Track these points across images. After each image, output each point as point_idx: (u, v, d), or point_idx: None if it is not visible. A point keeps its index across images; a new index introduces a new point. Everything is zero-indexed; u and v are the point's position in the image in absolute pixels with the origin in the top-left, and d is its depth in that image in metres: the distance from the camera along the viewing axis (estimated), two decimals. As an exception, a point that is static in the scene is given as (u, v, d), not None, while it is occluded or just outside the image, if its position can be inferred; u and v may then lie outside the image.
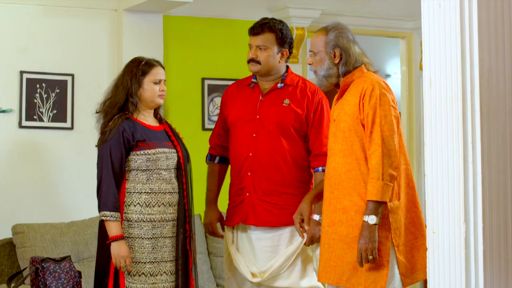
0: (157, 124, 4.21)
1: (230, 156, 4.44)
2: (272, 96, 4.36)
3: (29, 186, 5.63)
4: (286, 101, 4.33)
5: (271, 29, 4.33)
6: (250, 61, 4.35)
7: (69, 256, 4.98)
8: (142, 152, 4.06)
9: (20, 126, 5.62)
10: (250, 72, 4.46)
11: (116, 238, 3.99)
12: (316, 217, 4.18)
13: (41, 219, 5.50)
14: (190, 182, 4.22)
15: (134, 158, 4.07)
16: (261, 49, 4.33)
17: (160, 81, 4.15)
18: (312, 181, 4.38)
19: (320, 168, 4.29)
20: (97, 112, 4.19)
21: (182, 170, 4.13)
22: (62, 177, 5.73)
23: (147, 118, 4.17)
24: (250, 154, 4.30)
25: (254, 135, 4.31)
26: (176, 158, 4.12)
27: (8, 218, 5.44)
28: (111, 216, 4.00)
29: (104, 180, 4.03)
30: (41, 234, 5.29)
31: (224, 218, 4.50)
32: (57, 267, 4.83)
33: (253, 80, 4.43)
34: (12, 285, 4.97)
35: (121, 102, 4.12)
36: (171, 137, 4.18)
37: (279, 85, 4.37)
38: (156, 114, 4.25)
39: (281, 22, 4.40)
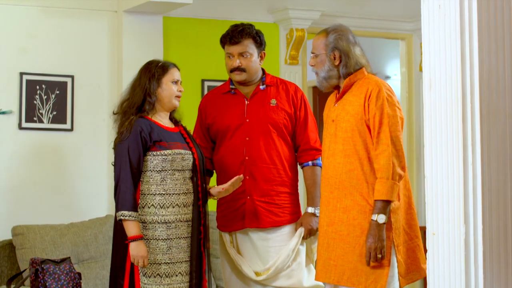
0: (173, 126, 4.21)
1: (220, 163, 4.44)
2: (257, 99, 4.42)
3: (29, 187, 5.63)
4: (273, 101, 4.40)
5: (249, 34, 4.39)
6: (235, 70, 4.38)
7: (69, 257, 4.99)
8: (158, 152, 4.06)
9: (20, 127, 5.61)
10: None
11: (135, 238, 3.96)
12: (310, 209, 4.30)
13: (41, 220, 5.49)
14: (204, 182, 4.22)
15: (150, 159, 4.06)
16: (244, 56, 4.37)
17: (177, 81, 4.18)
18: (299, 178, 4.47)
19: (310, 163, 4.40)
20: (114, 114, 4.20)
21: (197, 172, 4.13)
22: (62, 179, 5.73)
23: (163, 120, 4.18)
24: (247, 157, 4.35)
25: (247, 138, 4.36)
26: (192, 160, 4.12)
27: (8, 220, 5.44)
28: (130, 215, 3.95)
29: (122, 180, 3.99)
30: (41, 236, 5.29)
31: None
32: (57, 269, 4.83)
33: (232, 86, 4.46)
34: (12, 286, 4.97)
35: (139, 102, 4.12)
36: (186, 139, 4.19)
37: (261, 87, 4.44)
38: (172, 117, 4.25)
39: (252, 25, 4.46)
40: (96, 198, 5.78)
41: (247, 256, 4.39)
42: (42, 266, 4.80)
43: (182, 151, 4.10)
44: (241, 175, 4.20)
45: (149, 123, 4.09)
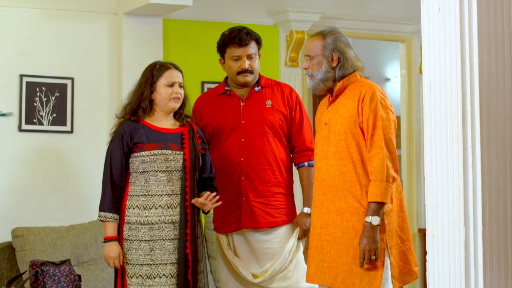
0: (175, 127, 4.21)
1: (215, 165, 4.40)
2: (253, 100, 4.43)
3: (28, 189, 5.63)
4: (268, 102, 4.42)
5: (254, 36, 4.43)
6: (245, 71, 4.38)
7: (69, 259, 4.99)
8: (138, 154, 4.11)
9: (20, 129, 5.62)
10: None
11: (109, 239, 4.08)
12: (306, 209, 4.32)
13: (41, 222, 5.50)
14: (195, 184, 4.21)
15: (133, 160, 4.13)
16: (252, 58, 4.40)
17: (173, 83, 4.17)
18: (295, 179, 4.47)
19: (306, 163, 4.41)
20: (117, 117, 4.25)
21: (185, 173, 4.13)
22: (61, 181, 5.73)
23: (162, 122, 4.19)
24: (242, 159, 4.35)
25: (243, 139, 4.36)
26: (181, 161, 4.13)
27: (8, 222, 5.44)
28: (105, 216, 4.09)
29: (104, 182, 4.13)
30: (41, 238, 5.29)
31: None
32: (57, 271, 4.83)
33: (227, 88, 4.48)
34: (12, 288, 4.97)
35: (134, 106, 4.18)
36: (184, 139, 4.19)
37: (256, 88, 4.46)
38: (179, 117, 4.24)
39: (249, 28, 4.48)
40: (96, 200, 5.69)
41: (244, 258, 4.40)
42: (42, 268, 4.80)
43: (168, 151, 4.11)
44: (214, 193, 4.11)
45: (135, 125, 4.13)
